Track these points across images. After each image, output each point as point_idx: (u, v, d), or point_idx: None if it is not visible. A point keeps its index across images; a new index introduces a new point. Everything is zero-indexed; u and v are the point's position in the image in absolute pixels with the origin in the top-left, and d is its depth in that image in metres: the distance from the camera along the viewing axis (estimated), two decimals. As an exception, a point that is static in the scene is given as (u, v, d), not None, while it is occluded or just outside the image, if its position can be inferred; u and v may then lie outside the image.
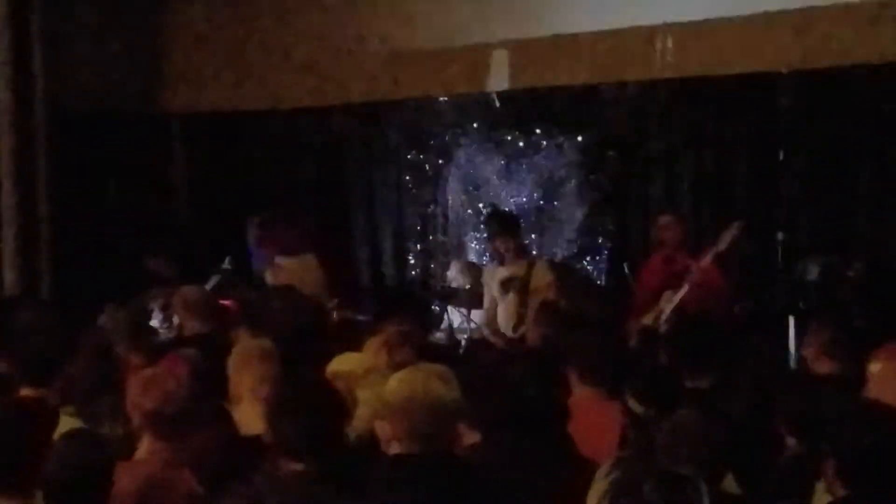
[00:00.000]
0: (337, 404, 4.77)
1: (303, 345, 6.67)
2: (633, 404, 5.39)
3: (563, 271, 9.96)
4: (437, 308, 11.01)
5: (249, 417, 5.65)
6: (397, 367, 5.29)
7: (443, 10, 11.40)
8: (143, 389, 5.20)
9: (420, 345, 6.73)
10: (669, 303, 8.91)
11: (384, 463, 4.42)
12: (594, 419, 5.51)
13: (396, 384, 4.43)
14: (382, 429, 4.45)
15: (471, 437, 5.00)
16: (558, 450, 4.77)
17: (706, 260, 8.89)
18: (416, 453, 4.32)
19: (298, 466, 4.49)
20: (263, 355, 6.05)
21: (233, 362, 6.10)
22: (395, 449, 4.39)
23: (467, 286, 10.40)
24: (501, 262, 9.90)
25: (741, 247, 9.08)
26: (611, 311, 9.28)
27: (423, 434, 4.32)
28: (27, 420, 4.42)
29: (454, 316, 10.47)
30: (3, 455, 4.26)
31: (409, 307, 8.69)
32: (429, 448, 4.31)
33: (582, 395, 5.96)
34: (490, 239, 10.04)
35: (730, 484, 4.66)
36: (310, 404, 4.62)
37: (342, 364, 5.76)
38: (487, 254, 10.92)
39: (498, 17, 11.05)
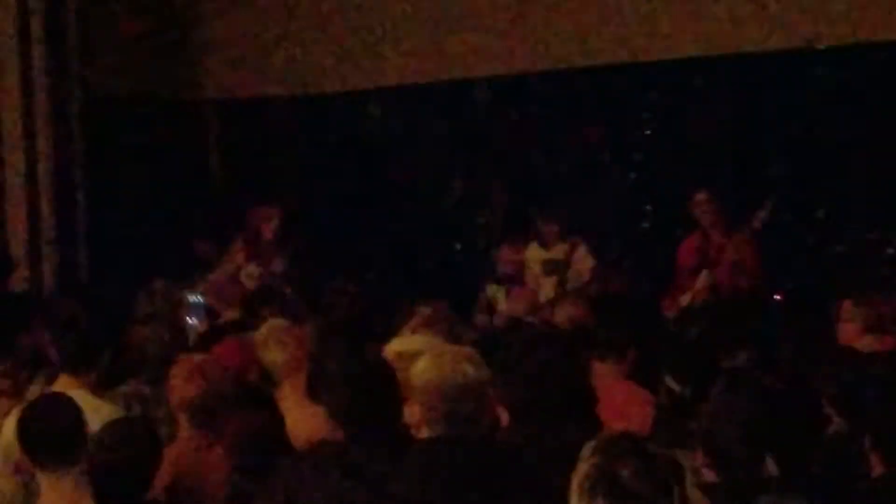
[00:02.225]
0: (388, 378, 4.74)
1: (360, 329, 6.68)
2: (671, 382, 5.36)
3: (603, 254, 9.96)
4: (479, 290, 10.98)
5: (287, 399, 5.66)
6: None
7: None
8: (187, 377, 5.21)
9: (454, 326, 6.71)
10: (706, 281, 8.89)
11: (415, 447, 4.37)
12: (617, 401, 5.48)
13: (425, 367, 4.37)
14: (412, 412, 4.41)
15: (506, 418, 4.99)
16: (587, 431, 4.74)
17: (741, 238, 8.87)
18: (447, 436, 4.27)
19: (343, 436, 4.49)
20: (293, 334, 6.05)
21: (260, 341, 6.10)
22: (425, 433, 4.35)
23: (508, 268, 10.39)
24: (543, 244, 9.90)
25: (775, 223, 9.04)
26: (643, 293, 9.31)
27: (453, 417, 4.27)
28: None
29: (496, 298, 10.45)
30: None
31: (450, 290, 8.72)
32: (459, 431, 4.28)
33: (604, 378, 5.89)
34: (532, 221, 10.05)
35: (769, 464, 4.62)
36: (358, 376, 4.61)
37: (403, 345, 5.71)
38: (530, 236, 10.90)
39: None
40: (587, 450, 3.07)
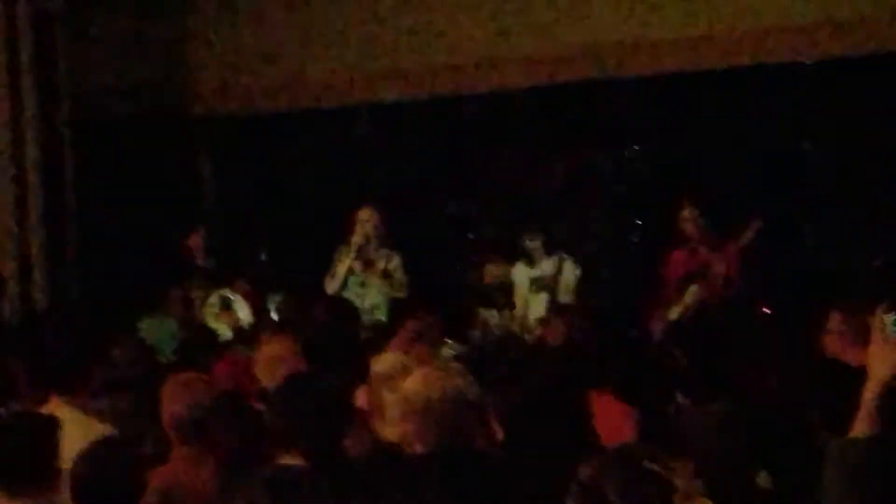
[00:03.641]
0: (336, 403, 4.75)
1: (337, 347, 6.67)
2: (678, 394, 5.38)
3: (590, 270, 9.99)
4: (470, 306, 10.98)
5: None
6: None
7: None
8: (172, 393, 5.22)
9: (443, 341, 6.72)
10: (692, 297, 8.92)
11: (410, 464, 4.38)
12: (608, 417, 5.49)
13: (416, 385, 4.39)
14: (405, 430, 4.42)
15: (500, 433, 4.99)
16: (583, 445, 4.75)
17: (728, 255, 8.90)
18: (441, 452, 4.28)
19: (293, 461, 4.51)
20: (295, 357, 6.04)
21: (261, 364, 6.08)
22: (417, 449, 4.35)
23: (499, 284, 10.40)
24: (530, 261, 9.92)
25: (762, 243, 9.08)
26: (630, 309, 9.32)
27: (445, 433, 4.28)
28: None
29: (486, 314, 10.46)
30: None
31: (440, 306, 8.71)
32: (451, 446, 4.29)
33: (596, 394, 5.89)
34: (519, 237, 10.07)
35: (763, 478, 4.65)
36: (304, 402, 4.62)
37: (377, 365, 5.70)
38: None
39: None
40: (585, 466, 3.08)
